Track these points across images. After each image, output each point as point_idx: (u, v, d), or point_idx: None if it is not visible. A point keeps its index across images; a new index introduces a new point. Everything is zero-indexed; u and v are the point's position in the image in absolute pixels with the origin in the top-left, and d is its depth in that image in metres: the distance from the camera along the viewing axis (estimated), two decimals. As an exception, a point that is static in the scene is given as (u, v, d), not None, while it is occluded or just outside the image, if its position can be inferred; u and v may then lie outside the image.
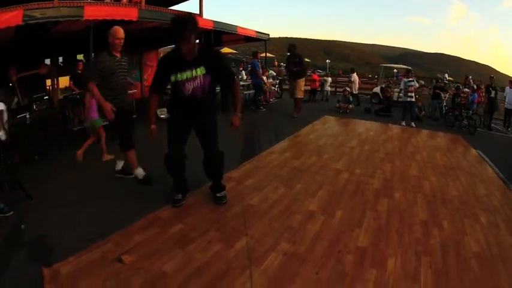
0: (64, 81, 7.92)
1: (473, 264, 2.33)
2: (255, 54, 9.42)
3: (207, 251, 2.28)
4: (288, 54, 8.35)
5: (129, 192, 3.48)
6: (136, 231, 2.53)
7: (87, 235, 2.55)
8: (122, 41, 3.13)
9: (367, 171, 4.18)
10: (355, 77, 12.37)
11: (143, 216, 2.74)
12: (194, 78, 2.69)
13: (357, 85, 12.40)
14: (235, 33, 8.64)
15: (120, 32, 3.09)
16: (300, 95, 8.05)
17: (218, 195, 3.08)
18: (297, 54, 8.29)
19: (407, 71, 9.33)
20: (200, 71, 2.69)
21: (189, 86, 2.70)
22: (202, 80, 2.71)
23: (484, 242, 2.68)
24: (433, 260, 2.33)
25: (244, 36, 9.37)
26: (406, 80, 8.41)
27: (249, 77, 10.52)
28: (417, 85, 8.50)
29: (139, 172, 3.57)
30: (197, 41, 2.72)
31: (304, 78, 8.30)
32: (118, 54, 3.16)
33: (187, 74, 2.67)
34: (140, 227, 2.58)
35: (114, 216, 2.88)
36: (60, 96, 7.93)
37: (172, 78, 2.70)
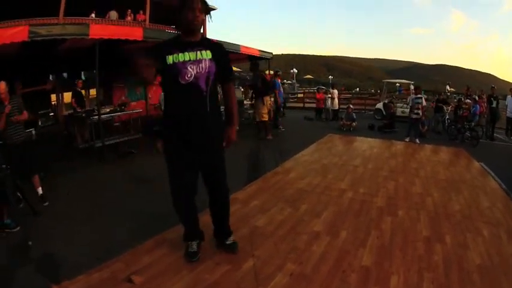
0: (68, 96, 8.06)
1: (476, 278, 2.36)
2: (276, 75, 9.80)
3: (215, 272, 2.34)
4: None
5: (135, 210, 3.60)
6: (145, 251, 2.60)
7: (94, 253, 2.64)
8: (5, 92, 3.84)
9: (371, 189, 4.24)
10: (335, 93, 12.55)
11: (150, 237, 2.81)
12: (198, 61, 2.15)
13: (337, 101, 12.48)
14: (238, 53, 8.73)
15: (1, 87, 3.81)
16: (261, 117, 7.87)
17: (228, 242, 2.59)
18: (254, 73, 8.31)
19: (416, 87, 9.08)
20: (206, 54, 2.18)
21: (192, 71, 2.13)
22: (207, 66, 2.17)
23: (486, 253, 2.71)
24: (436, 276, 2.36)
25: (248, 55, 9.55)
26: (414, 96, 8.28)
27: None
28: (425, 103, 8.36)
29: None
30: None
31: (264, 99, 7.90)
32: (6, 101, 3.89)
33: (190, 55, 2.14)
34: (148, 248, 2.65)
35: (121, 235, 2.99)
36: (65, 113, 8.11)
37: (170, 59, 2.10)
